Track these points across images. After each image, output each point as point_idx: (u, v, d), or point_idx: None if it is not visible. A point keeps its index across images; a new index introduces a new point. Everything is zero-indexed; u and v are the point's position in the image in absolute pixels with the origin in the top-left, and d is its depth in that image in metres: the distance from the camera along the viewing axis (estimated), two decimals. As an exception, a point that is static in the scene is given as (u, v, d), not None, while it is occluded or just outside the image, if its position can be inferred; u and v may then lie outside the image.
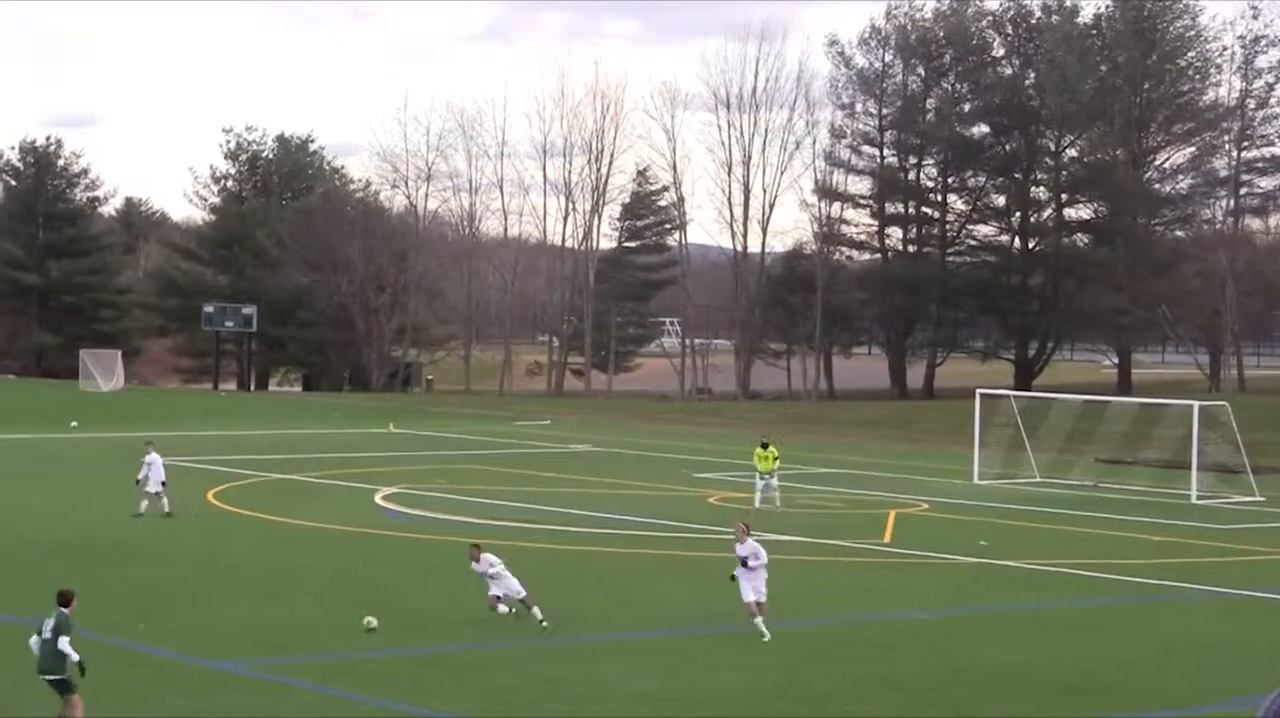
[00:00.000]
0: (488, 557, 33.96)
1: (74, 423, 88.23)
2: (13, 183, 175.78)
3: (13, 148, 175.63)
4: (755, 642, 32.21)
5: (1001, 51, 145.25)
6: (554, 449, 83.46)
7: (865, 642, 33.52)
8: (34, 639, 24.20)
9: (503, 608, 33.61)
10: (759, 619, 32.23)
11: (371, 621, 32.46)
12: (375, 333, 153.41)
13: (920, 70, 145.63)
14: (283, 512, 52.30)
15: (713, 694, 28.22)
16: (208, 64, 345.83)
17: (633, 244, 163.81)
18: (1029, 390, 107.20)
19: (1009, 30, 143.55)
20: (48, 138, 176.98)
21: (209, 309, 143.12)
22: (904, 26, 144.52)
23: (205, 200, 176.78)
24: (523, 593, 33.65)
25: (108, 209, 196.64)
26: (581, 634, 33.37)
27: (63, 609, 24.29)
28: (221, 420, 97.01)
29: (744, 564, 32.58)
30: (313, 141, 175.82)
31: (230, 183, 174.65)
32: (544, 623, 32.81)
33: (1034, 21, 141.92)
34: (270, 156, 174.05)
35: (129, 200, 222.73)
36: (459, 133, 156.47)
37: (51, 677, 24.03)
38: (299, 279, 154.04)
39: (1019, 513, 59.29)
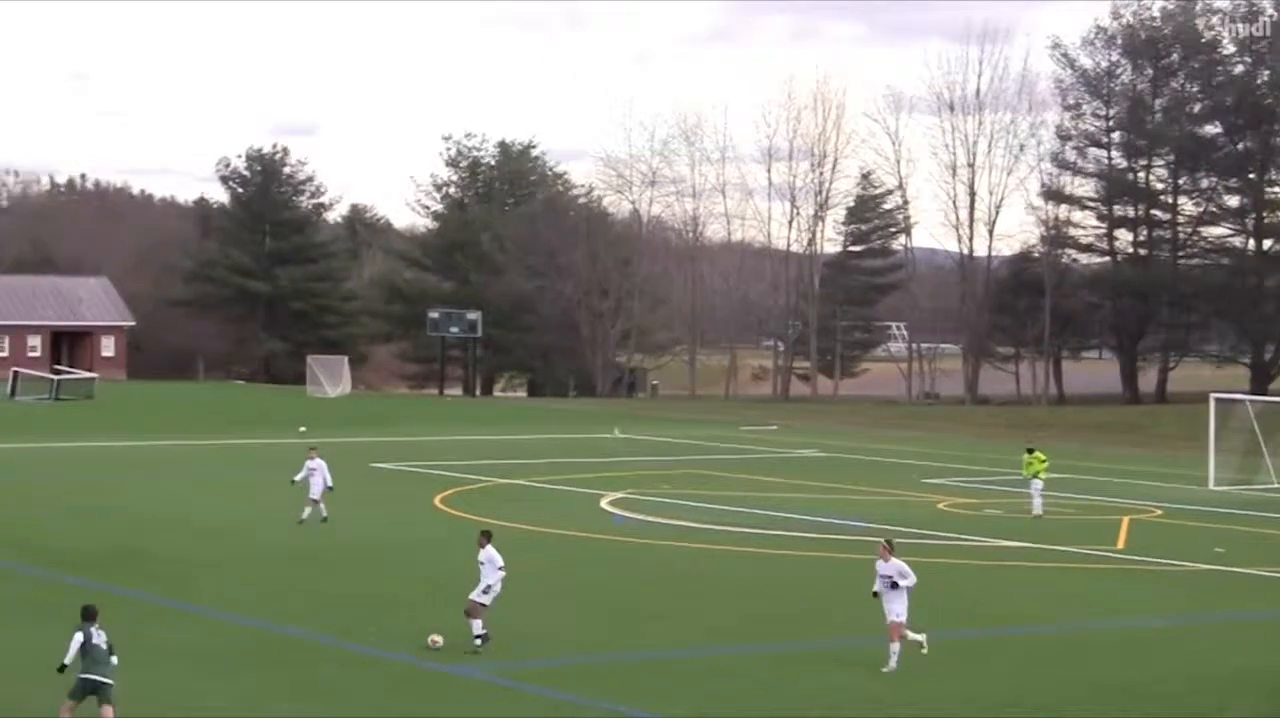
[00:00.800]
0: (489, 550, 32.44)
1: (302, 428, 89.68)
2: (240, 191, 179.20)
3: (239, 156, 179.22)
4: (981, 649, 31.98)
5: (1232, 49, 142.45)
6: (780, 454, 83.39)
7: (1098, 649, 33.12)
8: (79, 639, 24.30)
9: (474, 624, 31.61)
10: (895, 645, 30.03)
11: (437, 639, 31.25)
12: (599, 338, 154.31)
13: (1148, 70, 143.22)
14: (509, 516, 52.72)
15: (943, 703, 28.10)
16: (429, 71, 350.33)
17: (857, 248, 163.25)
18: (1266, 395, 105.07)
19: (1239, 28, 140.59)
20: (274, 146, 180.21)
21: (434, 315, 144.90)
22: (1131, 26, 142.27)
23: (427, 208, 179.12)
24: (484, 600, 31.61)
25: (333, 216, 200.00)
26: (807, 641, 33.37)
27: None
28: (447, 426, 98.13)
29: (893, 585, 30.48)
30: (534, 147, 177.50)
31: (452, 189, 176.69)
32: (478, 643, 30.97)
33: (1266, 18, 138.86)
34: (491, 163, 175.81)
35: (354, 207, 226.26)
36: (682, 138, 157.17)
37: (101, 679, 24.30)
38: (523, 285, 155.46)
39: (1256, 519, 58.20)
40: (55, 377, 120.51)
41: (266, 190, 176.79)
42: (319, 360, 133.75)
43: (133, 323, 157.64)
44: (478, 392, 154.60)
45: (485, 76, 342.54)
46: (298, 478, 50.88)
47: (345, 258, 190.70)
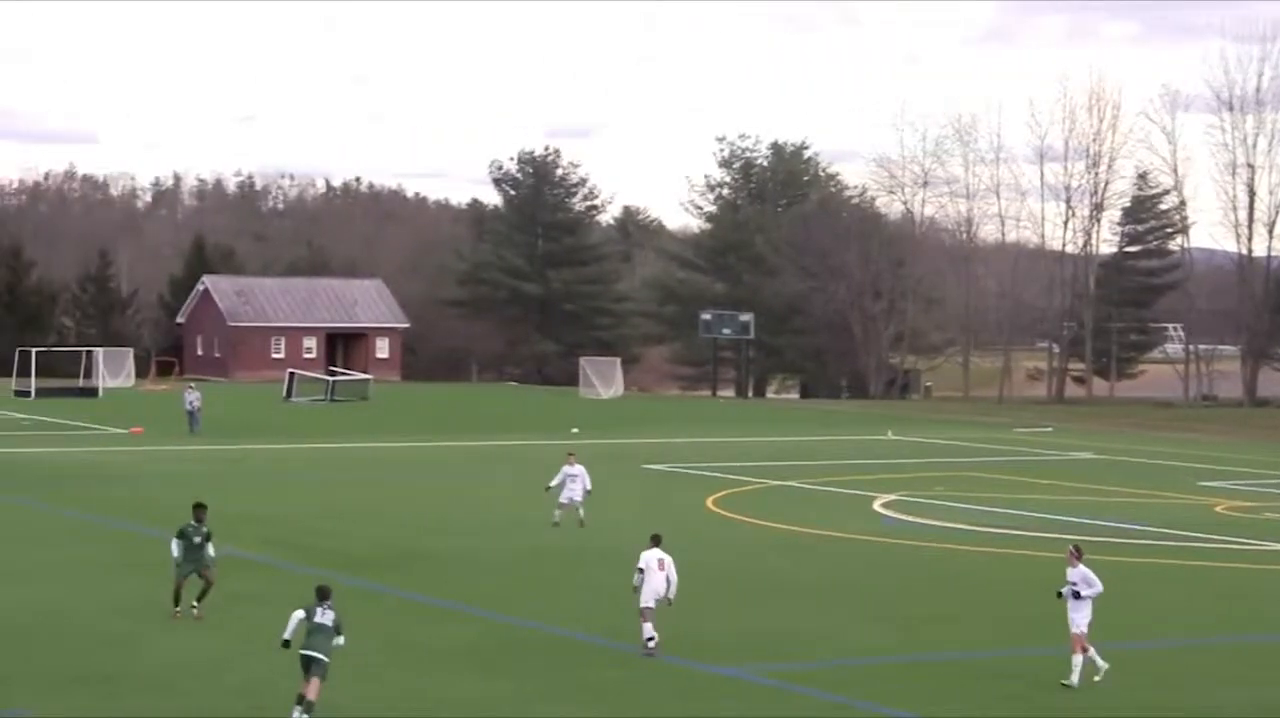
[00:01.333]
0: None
1: (575, 429, 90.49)
2: (513, 193, 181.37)
3: (512, 159, 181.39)
4: (1259, 656, 31.28)
5: None
6: (1054, 457, 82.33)
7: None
8: (298, 615, 25.86)
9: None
10: (1078, 658, 28.74)
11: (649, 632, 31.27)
12: (872, 339, 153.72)
13: None
14: (781, 518, 52.78)
15: (1217, 711, 27.57)
16: (703, 72, 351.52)
17: (1133, 249, 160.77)
18: None
19: None
20: (545, 148, 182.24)
21: (706, 317, 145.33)
22: None
23: (700, 209, 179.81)
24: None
25: (606, 218, 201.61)
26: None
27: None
28: (720, 427, 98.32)
29: (1075, 596, 29.24)
30: (807, 148, 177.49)
31: (725, 190, 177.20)
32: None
33: None
34: (764, 164, 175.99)
35: (627, 209, 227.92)
36: (955, 137, 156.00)
37: (315, 654, 25.46)
38: (795, 286, 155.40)
39: None
40: (330, 378, 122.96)
41: (539, 192, 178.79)
42: (591, 362, 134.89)
43: (407, 325, 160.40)
44: (750, 393, 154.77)
45: (758, 77, 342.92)
46: (553, 483, 50.74)
47: (618, 259, 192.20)
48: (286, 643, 26.10)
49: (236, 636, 31.94)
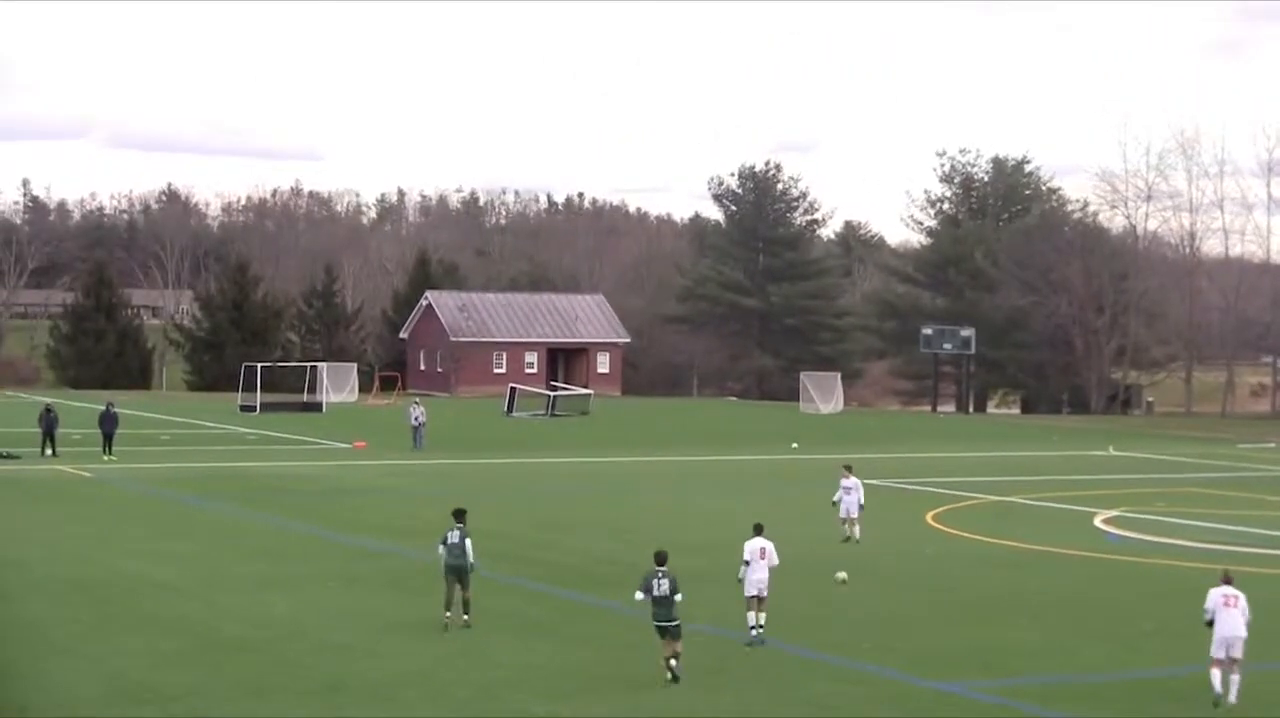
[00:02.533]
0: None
1: (795, 444, 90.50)
2: (733, 209, 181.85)
3: (733, 174, 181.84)
4: None
5: None
6: (1278, 472, 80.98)
7: None
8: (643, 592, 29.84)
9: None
10: (1216, 674, 28.20)
11: (842, 575, 38.80)
12: (1094, 354, 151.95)
13: None
14: (1001, 534, 52.43)
15: None
16: (923, 87, 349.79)
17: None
18: None
19: None
20: (766, 162, 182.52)
21: (927, 331, 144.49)
22: None
23: (921, 223, 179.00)
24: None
25: (826, 232, 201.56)
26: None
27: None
28: (940, 442, 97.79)
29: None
30: (1028, 162, 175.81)
31: (946, 205, 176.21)
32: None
33: None
34: (985, 178, 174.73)
35: (848, 224, 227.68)
36: (1179, 151, 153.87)
37: (669, 623, 29.45)
38: (1016, 300, 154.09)
39: None
40: (551, 393, 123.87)
41: (760, 207, 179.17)
42: (812, 377, 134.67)
43: (627, 339, 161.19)
44: (970, 408, 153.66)
45: (981, 91, 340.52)
46: (835, 499, 50.67)
47: (838, 274, 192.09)
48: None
49: (457, 648, 32.35)
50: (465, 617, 34.32)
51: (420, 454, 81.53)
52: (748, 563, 33.07)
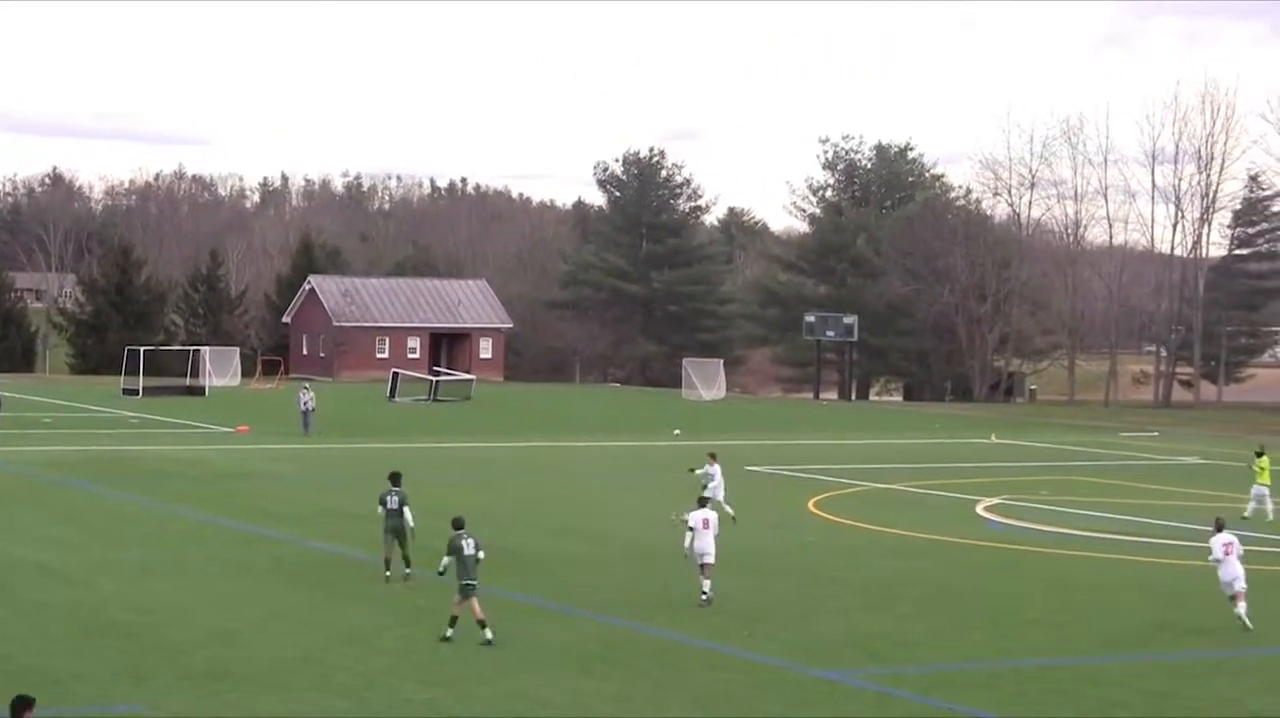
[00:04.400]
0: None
1: (677, 430, 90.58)
2: (617, 195, 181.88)
3: (617, 160, 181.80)
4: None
5: None
6: (1161, 461, 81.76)
7: None
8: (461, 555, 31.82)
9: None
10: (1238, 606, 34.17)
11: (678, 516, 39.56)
12: (977, 342, 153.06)
13: None
14: (884, 521, 52.65)
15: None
16: (807, 75, 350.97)
17: (1243, 251, 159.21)
18: None
19: None
20: (650, 149, 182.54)
21: (810, 319, 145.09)
22: None
23: (804, 211, 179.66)
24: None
25: (710, 219, 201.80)
26: (1197, 650, 32.76)
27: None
28: (823, 429, 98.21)
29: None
30: (911, 149, 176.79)
31: (829, 192, 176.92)
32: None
33: None
34: (868, 165, 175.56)
35: (731, 210, 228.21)
36: (1063, 139, 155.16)
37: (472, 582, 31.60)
38: (899, 288, 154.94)
39: None
40: (434, 378, 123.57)
41: (643, 194, 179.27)
42: (694, 363, 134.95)
43: (510, 325, 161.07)
44: (853, 396, 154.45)
45: (864, 79, 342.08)
46: (699, 473, 51.84)
47: (721, 261, 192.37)
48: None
49: (336, 634, 32.20)
50: (406, 570, 37.52)
51: (308, 439, 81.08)
52: (692, 530, 35.94)
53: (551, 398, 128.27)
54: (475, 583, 31.60)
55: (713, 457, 52.15)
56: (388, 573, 37.62)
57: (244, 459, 70.37)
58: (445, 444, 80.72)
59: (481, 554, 31.97)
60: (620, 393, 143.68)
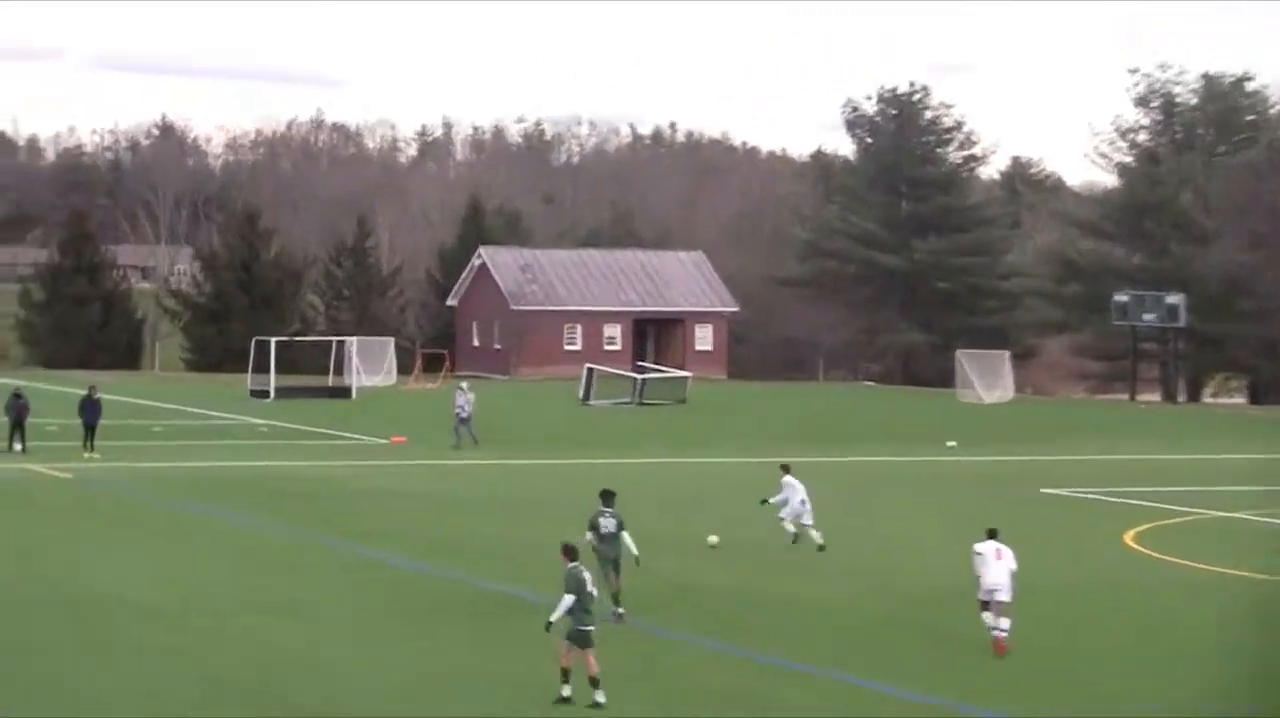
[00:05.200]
0: None
1: (951, 442, 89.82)
2: (869, 141, 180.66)
3: (869, 98, 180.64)
4: None
5: None
6: None
7: None
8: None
9: None
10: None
11: (714, 539, 47.45)
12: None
13: None
14: (1224, 560, 51.63)
15: None
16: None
17: None
18: None
19: None
20: (911, 85, 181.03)
21: (1122, 299, 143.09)
22: None
23: (1110, 160, 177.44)
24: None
25: (988, 172, 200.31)
26: None
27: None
28: (1140, 441, 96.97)
29: None
30: (1249, 79, 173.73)
31: (1142, 136, 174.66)
32: None
33: None
34: (1193, 102, 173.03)
35: (1015, 160, 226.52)
36: None
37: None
38: (1238, 259, 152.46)
39: None
40: (638, 375, 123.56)
41: (903, 140, 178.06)
42: (971, 356, 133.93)
43: (734, 308, 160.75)
44: (1181, 397, 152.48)
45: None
46: (774, 500, 52.87)
47: (1004, 225, 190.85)
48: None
49: (528, 696, 31.94)
50: (618, 610, 38.88)
51: (467, 452, 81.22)
52: (980, 555, 37.71)
53: (786, 400, 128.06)
54: (595, 628, 32.06)
55: (786, 469, 53.40)
56: (618, 609, 38.94)
57: (400, 477, 70.86)
58: (651, 459, 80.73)
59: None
60: (875, 394, 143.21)
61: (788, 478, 52.72)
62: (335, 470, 73.20)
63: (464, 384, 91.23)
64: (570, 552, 32.75)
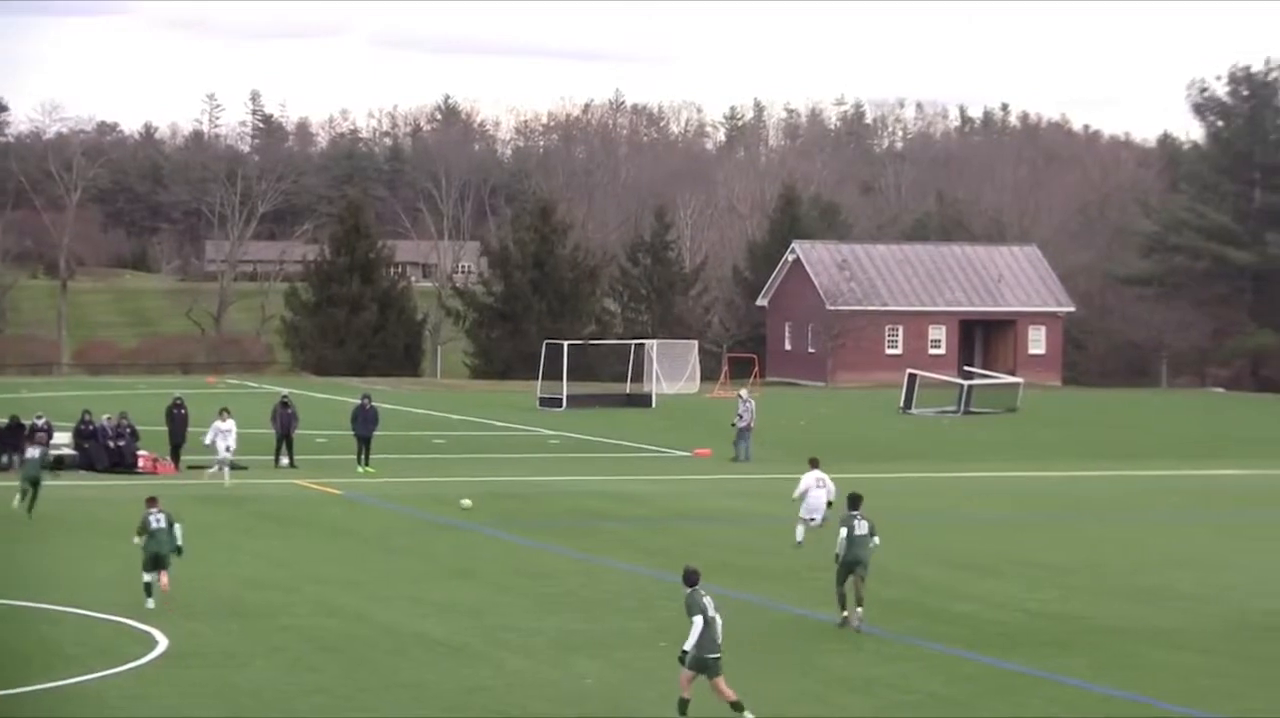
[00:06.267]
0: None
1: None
2: (1220, 125, 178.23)
3: (1219, 78, 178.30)
4: None
5: None
6: None
7: None
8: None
9: None
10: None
11: (466, 502, 53.84)
12: None
13: None
14: None
15: None
16: None
17: None
18: None
19: None
20: (1266, 63, 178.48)
21: None
22: None
23: None
24: None
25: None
26: None
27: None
28: None
29: None
30: None
31: None
32: None
33: None
34: None
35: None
36: None
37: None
38: None
39: None
40: (965, 382, 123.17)
41: (1258, 124, 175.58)
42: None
43: (1071, 308, 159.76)
44: None
45: None
46: (796, 495, 54.25)
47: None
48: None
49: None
50: (858, 611, 41.30)
51: (750, 466, 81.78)
52: None
53: (1127, 408, 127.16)
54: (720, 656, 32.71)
55: (814, 463, 54.81)
56: (844, 612, 41.54)
57: (705, 494, 71.22)
58: (980, 474, 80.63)
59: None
60: (1223, 401, 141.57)
61: (817, 473, 53.95)
62: (630, 486, 73.05)
63: (743, 392, 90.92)
64: (691, 577, 33.14)
